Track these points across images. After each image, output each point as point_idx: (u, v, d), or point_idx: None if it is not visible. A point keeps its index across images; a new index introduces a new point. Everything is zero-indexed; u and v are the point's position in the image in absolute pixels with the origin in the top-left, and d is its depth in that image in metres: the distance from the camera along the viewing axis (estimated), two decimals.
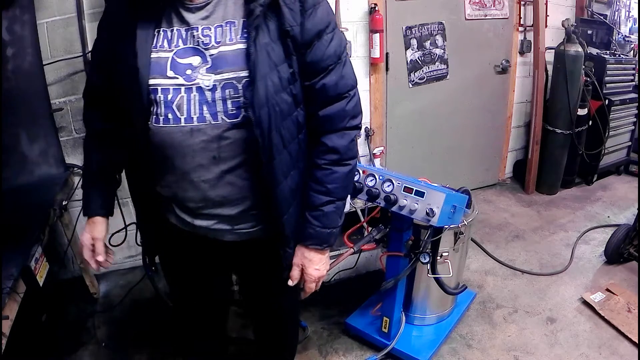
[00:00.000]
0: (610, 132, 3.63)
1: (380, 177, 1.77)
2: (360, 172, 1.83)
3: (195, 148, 1.02)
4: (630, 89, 3.73)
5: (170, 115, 1.01)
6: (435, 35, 3.14)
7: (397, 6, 2.95)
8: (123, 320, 2.36)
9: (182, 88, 1.00)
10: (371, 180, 1.79)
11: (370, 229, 2.02)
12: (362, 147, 3.14)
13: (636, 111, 3.82)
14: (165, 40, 1.01)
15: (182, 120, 1.01)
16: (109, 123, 1.17)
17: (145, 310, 2.40)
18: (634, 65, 3.69)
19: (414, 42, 3.08)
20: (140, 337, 2.22)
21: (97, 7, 2.26)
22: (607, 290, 2.41)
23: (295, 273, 1.21)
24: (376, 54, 2.89)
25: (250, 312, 1.62)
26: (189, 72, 0.99)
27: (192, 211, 1.15)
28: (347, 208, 2.98)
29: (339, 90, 1.10)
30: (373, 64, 2.98)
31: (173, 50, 1.00)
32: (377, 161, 3.21)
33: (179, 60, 1.00)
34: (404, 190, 1.71)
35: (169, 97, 1.00)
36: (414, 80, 3.18)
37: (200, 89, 0.99)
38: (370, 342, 2.11)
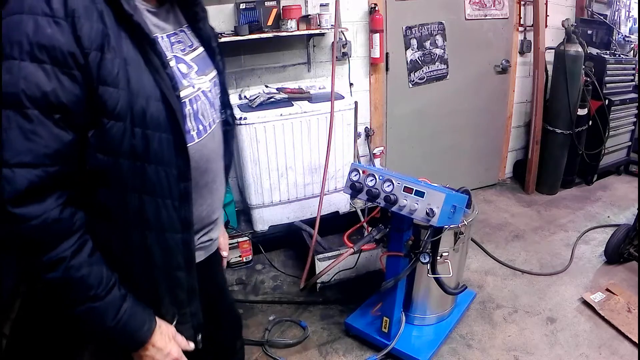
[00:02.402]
0: (610, 132, 3.63)
1: (380, 177, 1.77)
2: (360, 172, 1.83)
3: (217, 151, 1.06)
4: (630, 89, 3.73)
5: (200, 127, 0.97)
6: (435, 35, 3.14)
7: (397, 6, 2.95)
8: None
9: (194, 96, 0.96)
10: (371, 180, 1.79)
11: (370, 229, 2.02)
12: (362, 147, 3.14)
13: (636, 111, 3.82)
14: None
15: (207, 127, 1.00)
16: (81, 208, 0.83)
17: None
18: (634, 65, 3.68)
19: (414, 42, 3.08)
20: None
21: None
22: (607, 290, 2.41)
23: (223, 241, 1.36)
24: (376, 54, 2.89)
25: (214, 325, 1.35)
26: (188, 78, 0.95)
27: (213, 226, 1.12)
28: (347, 208, 3.00)
29: None
30: (373, 64, 2.99)
31: (172, 58, 0.92)
32: (377, 161, 3.21)
33: (178, 68, 0.95)
34: (404, 190, 1.71)
35: (195, 106, 0.95)
36: (414, 80, 3.18)
37: (204, 93, 0.99)
38: (370, 342, 2.11)
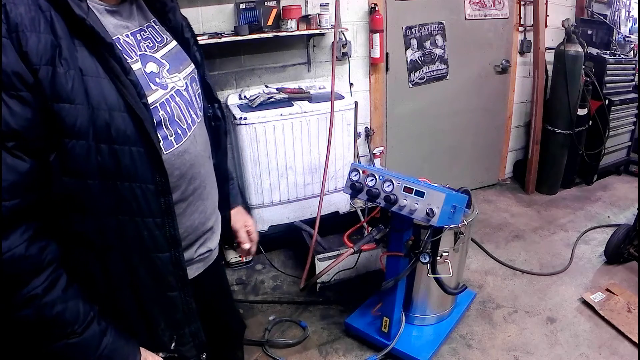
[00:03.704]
0: (610, 132, 3.63)
1: (380, 177, 1.77)
2: (360, 172, 1.83)
3: (202, 154, 0.99)
4: (630, 89, 3.73)
5: (179, 130, 0.90)
6: (435, 35, 3.14)
7: (397, 6, 2.95)
8: None
9: (167, 97, 0.88)
10: (371, 180, 1.79)
11: (370, 229, 2.02)
12: (362, 147, 3.14)
13: (636, 111, 3.82)
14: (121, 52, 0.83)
15: (186, 129, 0.92)
16: (54, 240, 0.78)
17: None
18: (634, 65, 3.68)
19: (414, 42, 3.08)
20: None
21: None
22: (607, 290, 2.41)
23: (244, 234, 1.27)
24: (376, 54, 2.89)
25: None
26: (158, 79, 0.87)
27: (209, 234, 1.07)
28: (347, 208, 3.00)
29: None
30: (373, 64, 2.99)
31: (137, 60, 0.85)
32: (377, 161, 3.21)
33: (145, 69, 0.86)
34: (404, 190, 1.71)
35: (168, 110, 0.87)
36: (414, 80, 3.17)
37: (179, 92, 0.92)
38: (370, 342, 2.11)
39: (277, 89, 2.66)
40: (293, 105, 2.55)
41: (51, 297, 0.74)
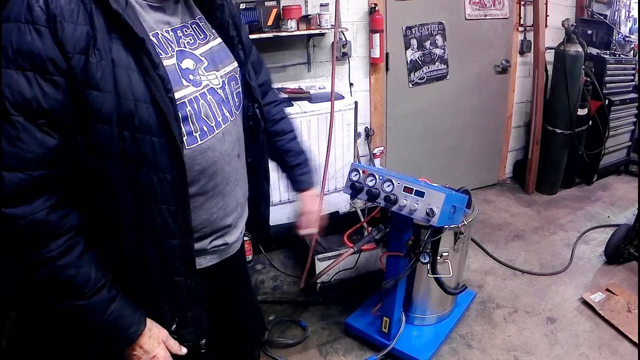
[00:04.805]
0: (610, 132, 3.63)
1: (380, 177, 1.77)
2: (360, 172, 1.83)
3: (229, 152, 1.00)
4: (630, 89, 3.73)
5: (205, 127, 0.92)
6: (435, 35, 3.14)
7: (397, 6, 2.95)
8: None
9: (197, 94, 0.91)
10: (371, 180, 1.78)
11: (370, 229, 2.02)
12: (362, 147, 3.14)
13: (636, 111, 3.82)
14: (157, 47, 0.86)
15: (214, 127, 0.94)
16: (75, 210, 0.85)
17: None
18: (634, 65, 3.68)
19: (414, 42, 3.08)
20: None
21: None
22: (607, 290, 2.41)
23: (303, 220, 1.37)
24: (376, 54, 2.89)
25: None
26: (191, 76, 0.91)
27: (229, 229, 1.08)
28: (347, 208, 3.00)
29: None
30: (373, 64, 2.99)
31: (172, 55, 0.89)
32: (377, 161, 3.21)
33: (181, 65, 0.90)
34: (404, 190, 1.71)
35: (196, 107, 0.90)
36: (414, 80, 3.18)
37: (212, 90, 0.94)
38: (370, 342, 2.11)
39: (277, 89, 2.65)
40: (293, 105, 2.55)
41: (65, 261, 0.81)
